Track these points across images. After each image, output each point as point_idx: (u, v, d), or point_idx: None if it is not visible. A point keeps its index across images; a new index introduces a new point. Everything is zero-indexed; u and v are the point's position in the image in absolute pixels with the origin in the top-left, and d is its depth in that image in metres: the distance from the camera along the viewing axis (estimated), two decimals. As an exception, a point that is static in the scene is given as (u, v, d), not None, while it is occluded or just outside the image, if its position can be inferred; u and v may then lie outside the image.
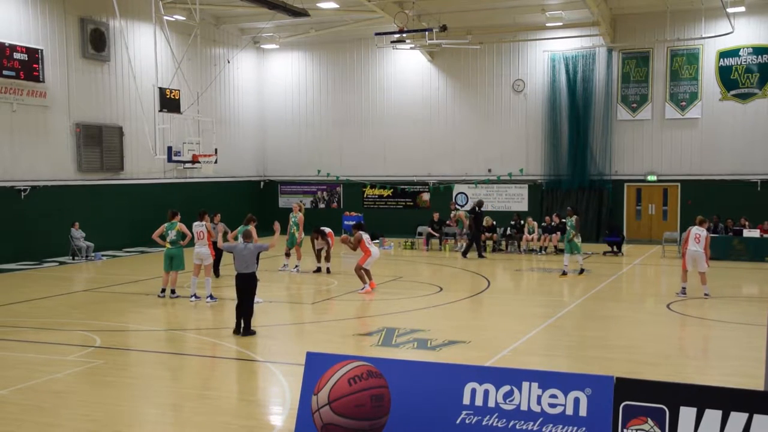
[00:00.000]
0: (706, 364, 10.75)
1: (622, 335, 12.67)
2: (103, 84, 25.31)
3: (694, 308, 14.80)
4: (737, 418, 5.90)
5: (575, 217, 19.45)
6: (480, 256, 23.54)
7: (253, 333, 12.38)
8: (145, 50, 25.24)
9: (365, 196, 32.40)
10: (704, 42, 26.87)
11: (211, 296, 15.60)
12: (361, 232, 16.82)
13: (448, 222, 26.65)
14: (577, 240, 19.32)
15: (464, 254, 23.68)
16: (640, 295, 17.81)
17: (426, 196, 31.47)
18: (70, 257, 23.23)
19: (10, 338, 12.34)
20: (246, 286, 12.36)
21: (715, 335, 12.64)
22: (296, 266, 20.40)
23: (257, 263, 12.86)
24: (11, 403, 8.78)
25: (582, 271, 19.45)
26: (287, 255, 20.60)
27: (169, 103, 22.83)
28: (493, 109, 30.25)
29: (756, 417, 5.86)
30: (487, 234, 25.32)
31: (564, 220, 20.81)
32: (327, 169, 32.66)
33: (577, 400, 6.32)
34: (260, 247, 13.11)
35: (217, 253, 17.77)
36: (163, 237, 15.94)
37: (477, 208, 24.09)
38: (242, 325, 12.36)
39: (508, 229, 25.70)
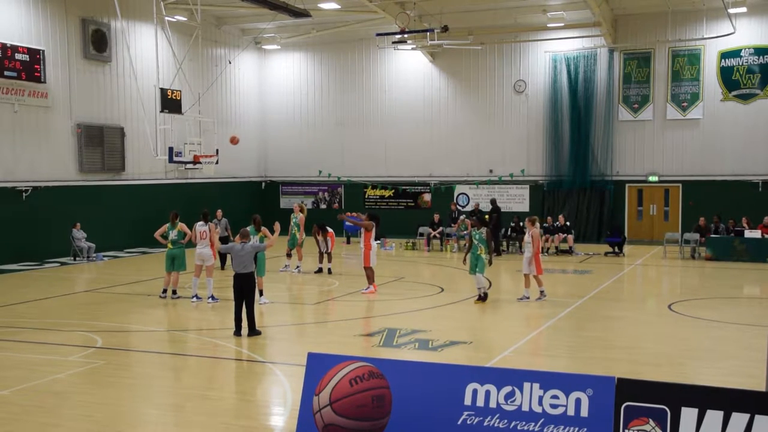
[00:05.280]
0: (707, 365, 10.73)
1: (623, 336, 12.66)
2: (105, 84, 25.32)
3: (695, 309, 14.78)
4: (738, 419, 5.90)
5: (485, 229, 15.72)
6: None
7: (258, 333, 12.37)
8: (146, 51, 25.25)
9: (366, 196, 32.39)
10: (706, 42, 26.86)
11: (212, 297, 15.59)
12: (373, 222, 16.70)
13: (451, 226, 26.64)
14: (485, 256, 15.29)
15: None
16: (641, 295, 17.80)
17: (427, 197, 31.46)
18: (72, 258, 23.23)
19: (12, 339, 12.34)
20: (245, 286, 12.33)
21: (715, 335, 12.62)
22: (297, 267, 20.41)
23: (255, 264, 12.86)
24: (13, 403, 8.79)
25: (485, 296, 15.61)
26: (288, 256, 20.61)
27: (170, 103, 22.86)
28: (494, 109, 30.24)
29: (757, 417, 5.85)
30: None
31: (471, 229, 15.97)
32: (328, 169, 32.65)
33: (578, 401, 6.32)
34: (258, 247, 13.11)
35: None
36: (164, 236, 15.96)
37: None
38: (246, 326, 12.35)
39: (509, 230, 25.69)
